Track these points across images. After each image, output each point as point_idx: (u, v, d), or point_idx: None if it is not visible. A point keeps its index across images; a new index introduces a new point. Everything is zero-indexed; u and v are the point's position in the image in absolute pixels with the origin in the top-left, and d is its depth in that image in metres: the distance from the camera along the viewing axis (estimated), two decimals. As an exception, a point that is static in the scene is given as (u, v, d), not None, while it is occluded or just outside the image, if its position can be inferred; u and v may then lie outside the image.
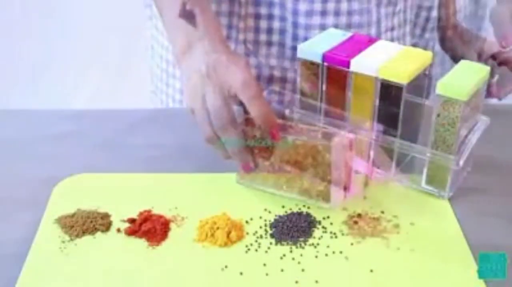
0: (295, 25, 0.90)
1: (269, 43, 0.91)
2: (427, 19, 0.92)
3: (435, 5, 0.91)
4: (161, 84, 1.03)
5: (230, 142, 0.70)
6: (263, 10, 0.89)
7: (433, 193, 0.75)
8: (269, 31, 0.90)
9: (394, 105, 0.72)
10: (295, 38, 0.90)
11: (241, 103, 0.71)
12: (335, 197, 0.72)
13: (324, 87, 0.76)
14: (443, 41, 1.05)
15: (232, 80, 0.69)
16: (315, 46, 0.76)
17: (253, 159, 0.72)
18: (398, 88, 0.71)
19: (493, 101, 0.95)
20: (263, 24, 0.90)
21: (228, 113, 0.69)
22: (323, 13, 0.89)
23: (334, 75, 0.75)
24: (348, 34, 0.78)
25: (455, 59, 1.06)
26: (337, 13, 0.89)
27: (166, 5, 0.82)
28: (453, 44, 1.05)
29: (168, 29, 0.82)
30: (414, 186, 0.76)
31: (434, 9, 0.92)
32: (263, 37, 0.91)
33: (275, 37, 0.91)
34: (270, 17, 0.89)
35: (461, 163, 0.71)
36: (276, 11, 0.89)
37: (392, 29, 0.90)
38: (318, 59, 0.75)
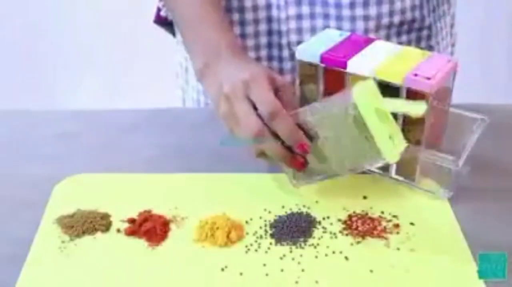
0: (280, 33, 0.91)
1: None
2: (401, 22, 0.92)
3: (408, 7, 0.91)
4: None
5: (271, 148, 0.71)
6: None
7: (433, 193, 0.75)
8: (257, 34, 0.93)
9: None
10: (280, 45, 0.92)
11: None
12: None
13: (322, 88, 0.76)
14: None
15: (255, 97, 0.70)
16: (313, 47, 0.76)
17: (299, 155, 0.72)
18: (395, 88, 0.71)
19: (493, 101, 0.95)
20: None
21: (256, 121, 0.70)
22: (299, 16, 0.90)
23: (332, 76, 0.75)
24: (345, 34, 0.78)
25: None
26: (312, 17, 0.90)
27: (183, 25, 0.85)
28: None
29: (186, 48, 0.84)
30: (414, 186, 0.76)
31: (408, 11, 0.92)
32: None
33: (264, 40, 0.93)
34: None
35: (461, 163, 0.71)
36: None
37: (367, 33, 0.90)
38: (316, 60, 0.75)
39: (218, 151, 0.83)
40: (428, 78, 0.69)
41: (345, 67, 0.73)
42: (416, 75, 0.70)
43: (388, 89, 0.71)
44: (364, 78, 0.72)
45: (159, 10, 1.05)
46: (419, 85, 0.69)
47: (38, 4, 2.68)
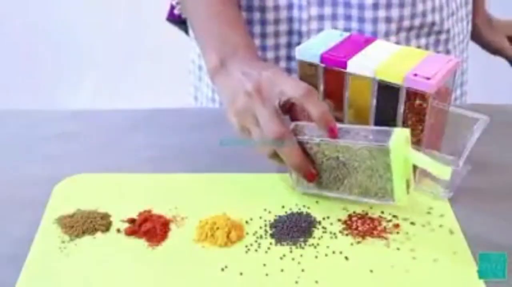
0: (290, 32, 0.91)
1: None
2: (422, 25, 0.92)
3: (429, 10, 0.92)
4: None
5: (289, 154, 0.69)
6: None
7: (433, 193, 0.75)
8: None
9: (392, 106, 0.72)
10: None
11: (287, 112, 0.72)
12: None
13: (322, 88, 0.76)
14: (472, 32, 1.07)
15: (284, 86, 0.69)
16: (313, 47, 0.76)
17: (313, 166, 0.71)
18: (395, 88, 0.71)
19: (494, 101, 0.95)
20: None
21: (280, 122, 0.68)
22: (321, 17, 0.90)
23: (331, 76, 0.75)
24: (346, 34, 0.78)
25: (484, 45, 1.11)
26: (334, 18, 0.90)
27: (197, 23, 0.84)
28: (480, 29, 1.09)
29: (200, 45, 0.83)
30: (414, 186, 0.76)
31: (428, 14, 0.92)
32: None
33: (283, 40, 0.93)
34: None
35: (461, 163, 0.71)
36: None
37: (388, 35, 0.90)
38: (316, 60, 0.75)
39: (218, 151, 0.83)
40: (428, 78, 0.69)
41: (345, 67, 0.73)
42: (416, 75, 0.70)
43: (388, 89, 0.71)
44: (364, 78, 0.72)
45: (172, 8, 1.05)
46: (419, 85, 0.69)
47: (38, 4, 2.68)
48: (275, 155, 0.70)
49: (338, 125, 0.70)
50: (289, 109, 0.72)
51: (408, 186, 0.68)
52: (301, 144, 0.70)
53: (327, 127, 0.68)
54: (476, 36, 1.10)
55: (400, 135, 0.67)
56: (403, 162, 0.67)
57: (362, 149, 0.67)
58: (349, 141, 0.68)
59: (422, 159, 0.67)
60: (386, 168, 0.67)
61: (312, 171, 0.71)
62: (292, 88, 0.69)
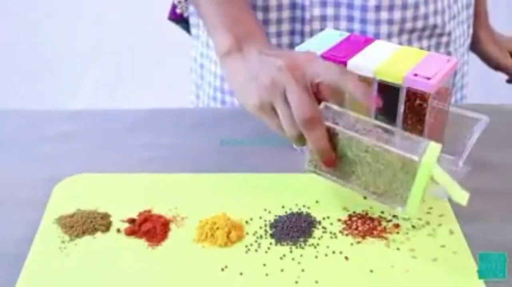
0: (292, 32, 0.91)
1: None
2: (424, 27, 0.92)
3: (431, 12, 0.92)
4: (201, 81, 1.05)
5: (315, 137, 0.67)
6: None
7: (433, 193, 0.75)
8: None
9: (392, 106, 0.72)
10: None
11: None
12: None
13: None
14: (473, 43, 1.08)
15: (317, 67, 0.68)
16: (313, 47, 0.76)
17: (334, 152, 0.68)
18: (395, 89, 0.71)
19: (493, 101, 0.95)
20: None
21: (313, 104, 0.66)
22: (323, 17, 0.90)
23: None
24: (345, 34, 0.78)
25: (487, 60, 1.11)
26: (337, 18, 0.90)
27: (207, 11, 0.82)
28: (484, 44, 1.09)
29: (210, 29, 0.81)
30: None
31: (430, 16, 0.92)
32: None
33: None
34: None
35: (461, 163, 0.71)
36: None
37: (390, 37, 0.90)
38: None
39: (219, 151, 0.83)
40: (428, 78, 0.69)
41: (345, 67, 0.73)
42: (416, 75, 0.70)
43: (388, 89, 0.71)
44: (364, 78, 0.72)
45: (174, 7, 1.05)
46: (419, 85, 0.69)
47: (38, 4, 2.69)
48: (300, 137, 0.67)
49: (366, 119, 0.69)
50: (314, 92, 0.69)
51: (422, 199, 0.68)
52: (328, 130, 0.68)
53: (367, 99, 0.67)
54: (478, 49, 1.10)
55: (433, 150, 0.66)
56: (427, 176, 0.66)
57: (392, 155, 0.66)
58: (383, 146, 0.66)
59: (445, 178, 0.66)
60: (411, 178, 0.66)
61: (333, 159, 0.68)
62: (327, 69, 0.68)
